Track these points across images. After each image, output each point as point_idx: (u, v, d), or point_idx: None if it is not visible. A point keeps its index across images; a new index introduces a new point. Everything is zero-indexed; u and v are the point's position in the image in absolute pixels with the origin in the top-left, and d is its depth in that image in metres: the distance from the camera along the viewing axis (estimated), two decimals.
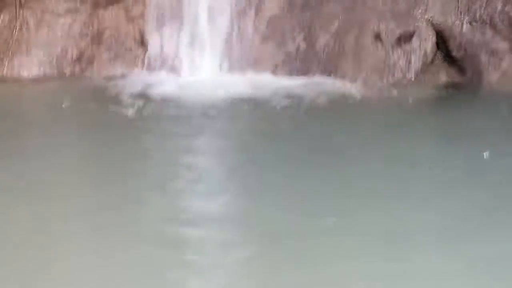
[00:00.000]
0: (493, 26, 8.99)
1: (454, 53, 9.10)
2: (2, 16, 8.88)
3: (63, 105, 7.61)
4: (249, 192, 5.44)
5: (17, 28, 8.88)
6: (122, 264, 4.30)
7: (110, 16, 9.10)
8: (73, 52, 8.88)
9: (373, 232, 4.69)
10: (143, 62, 9.07)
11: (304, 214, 4.96)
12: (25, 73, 8.75)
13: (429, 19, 9.08)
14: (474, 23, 9.03)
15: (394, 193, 5.37)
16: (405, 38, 9.01)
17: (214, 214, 5.10)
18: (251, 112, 7.72)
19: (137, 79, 8.71)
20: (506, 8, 8.96)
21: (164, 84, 8.53)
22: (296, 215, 4.93)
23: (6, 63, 8.78)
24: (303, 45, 9.08)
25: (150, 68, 9.03)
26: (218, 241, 4.62)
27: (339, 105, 8.02)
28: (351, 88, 8.58)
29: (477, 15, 9.03)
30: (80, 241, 4.61)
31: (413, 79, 8.97)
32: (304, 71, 9.01)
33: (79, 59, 8.89)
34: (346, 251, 4.44)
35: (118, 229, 4.72)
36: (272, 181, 5.60)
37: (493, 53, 8.98)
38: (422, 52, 9.03)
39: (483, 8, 9.02)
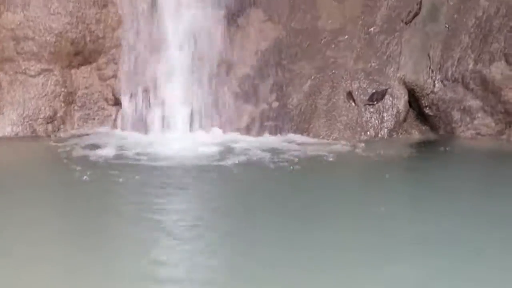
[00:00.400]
0: (465, 84, 9.02)
1: (427, 111, 9.12)
2: None
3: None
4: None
5: None
6: None
7: (82, 75, 9.13)
8: (46, 112, 8.88)
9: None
10: (115, 121, 9.09)
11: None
12: None
13: (401, 78, 9.12)
14: (446, 82, 9.06)
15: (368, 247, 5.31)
16: (377, 97, 9.03)
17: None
18: (222, 170, 7.65)
19: (108, 138, 8.70)
20: (477, 67, 9.00)
21: (136, 142, 8.50)
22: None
23: None
24: (275, 104, 9.09)
25: (122, 126, 9.03)
26: None
27: (312, 162, 7.95)
28: (324, 146, 8.56)
29: (449, 73, 9.06)
30: None
31: (386, 136, 8.96)
32: (277, 130, 9.01)
33: (52, 118, 8.89)
34: None
35: None
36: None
37: (465, 110, 8.99)
38: (395, 110, 9.05)
39: (454, 66, 9.06)
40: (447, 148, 8.76)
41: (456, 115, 9.04)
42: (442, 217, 6.06)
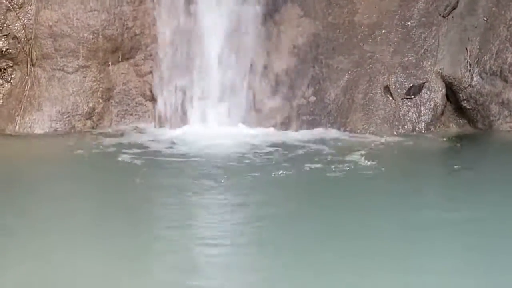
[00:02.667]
0: (503, 77, 8.98)
1: (464, 104, 9.09)
2: (13, 74, 8.97)
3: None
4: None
5: (29, 85, 8.96)
6: None
7: (120, 72, 9.18)
8: (84, 108, 8.93)
9: None
10: (152, 117, 9.13)
11: None
12: (36, 129, 8.80)
13: (439, 71, 9.09)
14: (484, 75, 9.02)
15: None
16: (414, 91, 9.01)
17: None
18: (261, 165, 7.66)
19: (147, 134, 8.77)
20: None
21: (173, 138, 8.57)
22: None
23: (18, 120, 8.84)
24: (312, 99, 9.10)
25: (160, 122, 9.08)
26: None
27: (351, 157, 7.93)
28: (363, 140, 8.58)
29: (487, 66, 9.02)
30: None
31: (423, 130, 8.94)
32: (314, 125, 9.02)
33: (90, 114, 8.94)
34: None
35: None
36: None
37: (503, 103, 8.96)
38: (432, 103, 9.02)
39: (492, 59, 9.02)
40: (486, 142, 8.78)
41: (494, 108, 9.00)
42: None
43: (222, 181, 6.98)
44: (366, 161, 7.62)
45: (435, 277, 4.72)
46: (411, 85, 9.05)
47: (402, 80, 9.09)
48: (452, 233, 5.57)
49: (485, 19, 9.09)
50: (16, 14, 8.86)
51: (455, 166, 7.75)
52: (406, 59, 9.14)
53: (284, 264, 4.97)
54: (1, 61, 8.91)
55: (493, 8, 9.09)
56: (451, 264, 4.97)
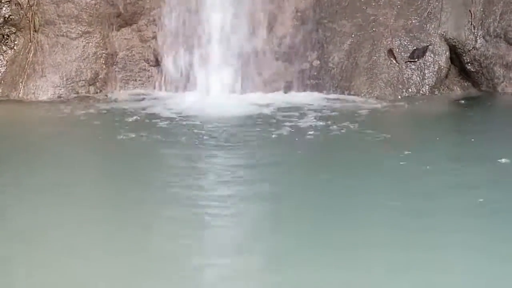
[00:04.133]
0: (507, 39, 8.98)
1: (468, 67, 9.08)
2: (17, 40, 8.95)
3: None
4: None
5: (32, 52, 8.94)
6: None
7: (123, 37, 9.16)
8: (87, 74, 8.92)
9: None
10: (156, 82, 9.12)
11: None
12: (40, 95, 8.80)
13: (443, 34, 9.07)
14: (488, 37, 9.01)
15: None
16: (418, 54, 8.99)
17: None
18: (267, 131, 7.65)
19: (150, 99, 8.77)
20: None
21: (177, 103, 8.56)
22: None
23: (22, 86, 8.83)
24: (316, 63, 9.08)
25: (164, 88, 9.07)
26: None
27: (356, 121, 7.92)
28: (366, 104, 8.58)
29: (491, 29, 9.01)
30: None
31: (427, 93, 8.94)
32: (317, 89, 9.01)
33: (93, 80, 8.94)
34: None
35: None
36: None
37: (507, 66, 8.96)
38: (436, 67, 9.01)
39: (496, 22, 9.01)
40: (490, 104, 8.78)
41: (498, 70, 9.00)
42: None
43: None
44: (367, 125, 7.66)
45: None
46: (415, 48, 9.03)
47: (405, 43, 9.07)
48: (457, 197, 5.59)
49: None
50: None
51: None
52: (410, 22, 9.11)
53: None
54: (4, 27, 8.88)
55: None
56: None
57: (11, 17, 8.86)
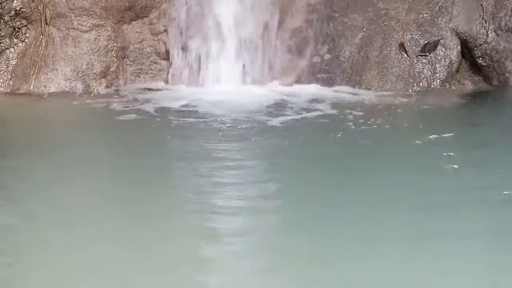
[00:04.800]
0: None
1: (480, 61, 9.07)
2: (28, 33, 8.96)
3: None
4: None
5: (43, 45, 8.95)
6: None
7: (134, 30, 9.16)
8: (98, 67, 8.93)
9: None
10: (167, 76, 9.13)
11: None
12: (51, 88, 8.80)
13: (454, 28, 9.06)
14: (499, 31, 9.00)
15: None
16: (429, 48, 8.98)
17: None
18: (276, 123, 7.67)
19: (162, 92, 8.79)
20: None
21: (189, 96, 8.57)
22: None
23: (33, 79, 8.84)
24: (327, 56, 9.08)
25: (175, 81, 9.08)
26: None
27: (366, 114, 7.92)
28: (376, 97, 8.58)
29: (502, 23, 8.99)
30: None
31: (438, 87, 8.93)
32: (329, 82, 9.01)
33: (104, 73, 8.94)
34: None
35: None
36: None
37: None
38: (447, 61, 9.00)
39: (508, 16, 8.99)
40: (501, 99, 8.78)
41: (510, 65, 8.98)
42: None
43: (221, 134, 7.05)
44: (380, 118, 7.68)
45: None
46: (426, 42, 9.03)
47: (417, 37, 9.06)
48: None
49: None
50: None
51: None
52: (421, 16, 9.10)
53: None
54: (15, 20, 8.89)
55: None
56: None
57: (22, 10, 8.86)
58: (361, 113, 7.83)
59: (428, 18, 9.09)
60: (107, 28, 9.00)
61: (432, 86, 8.94)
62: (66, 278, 4.11)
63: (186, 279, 4.13)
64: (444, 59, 9.01)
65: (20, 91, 8.80)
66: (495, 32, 9.01)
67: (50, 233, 4.69)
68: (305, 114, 7.84)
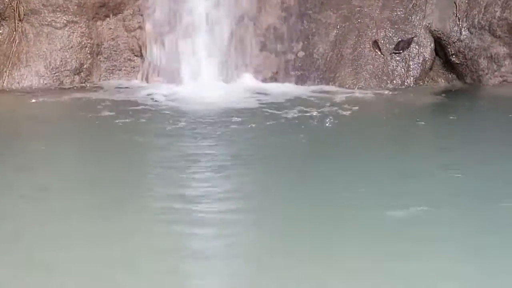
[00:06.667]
0: (492, 31, 8.98)
1: (453, 59, 9.09)
2: (1, 29, 8.92)
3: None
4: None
5: (17, 41, 8.92)
6: None
7: (108, 27, 9.14)
8: (72, 63, 8.90)
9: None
10: (142, 73, 9.10)
11: None
12: (24, 85, 8.77)
13: (427, 26, 9.08)
14: (472, 29, 9.02)
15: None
16: (403, 45, 9.00)
17: None
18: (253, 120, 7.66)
19: (135, 89, 8.76)
20: (505, 14, 8.95)
21: (163, 94, 8.56)
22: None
23: (6, 75, 8.81)
24: (301, 54, 9.09)
25: (149, 78, 9.06)
26: None
27: (341, 112, 7.94)
28: (350, 95, 8.59)
29: (476, 21, 9.02)
30: None
31: (412, 85, 8.96)
32: (303, 79, 9.02)
33: (78, 70, 8.92)
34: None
35: None
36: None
37: (492, 58, 8.97)
38: (421, 58, 9.03)
39: (481, 14, 9.02)
40: (474, 96, 8.81)
41: (483, 62, 9.01)
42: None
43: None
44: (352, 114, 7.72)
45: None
46: (400, 39, 9.05)
47: (390, 34, 9.09)
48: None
49: None
50: None
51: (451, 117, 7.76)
52: (395, 13, 9.12)
53: None
54: None
55: None
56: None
57: None
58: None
59: (402, 15, 9.12)
60: (81, 24, 8.97)
61: (405, 83, 8.97)
62: None
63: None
64: (418, 56, 9.03)
65: None
66: (468, 30, 9.03)
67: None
68: (276, 111, 7.84)
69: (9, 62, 8.84)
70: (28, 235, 4.61)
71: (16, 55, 8.86)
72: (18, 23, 8.91)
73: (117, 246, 4.45)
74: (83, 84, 8.91)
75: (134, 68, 9.16)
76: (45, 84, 8.79)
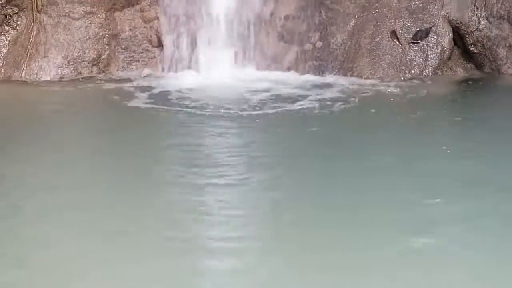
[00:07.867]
0: (510, 21, 8.95)
1: (472, 49, 9.07)
2: (19, 20, 8.94)
3: None
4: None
5: (34, 32, 8.93)
6: None
7: (126, 18, 9.15)
8: (90, 54, 8.91)
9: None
10: (160, 63, 9.11)
11: None
12: (42, 76, 8.79)
13: (446, 15, 9.05)
14: (491, 18, 8.99)
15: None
16: (421, 35, 8.97)
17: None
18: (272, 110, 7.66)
19: (154, 80, 8.77)
20: None
21: (181, 83, 8.57)
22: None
23: (24, 67, 8.82)
24: (319, 44, 9.08)
25: (167, 68, 9.07)
26: None
27: (360, 101, 7.93)
28: (369, 85, 8.57)
29: (494, 10, 8.99)
30: None
31: (430, 75, 8.93)
32: (321, 69, 9.01)
33: (96, 60, 8.93)
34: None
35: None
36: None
37: (510, 47, 8.94)
38: (439, 48, 8.99)
39: (500, 3, 8.99)
40: (492, 86, 8.78)
41: (502, 52, 8.98)
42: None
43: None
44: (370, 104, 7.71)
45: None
46: (418, 29, 9.01)
47: (409, 24, 9.06)
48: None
49: None
50: None
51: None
52: (413, 3, 9.10)
53: None
54: (7, 7, 8.87)
55: None
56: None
57: None
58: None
59: (420, 5, 9.09)
60: (99, 15, 8.98)
61: (424, 73, 8.94)
62: None
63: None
64: (436, 46, 9.00)
65: (12, 79, 8.78)
66: (487, 19, 9.00)
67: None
68: (299, 102, 7.84)
69: (27, 54, 8.85)
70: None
71: (34, 46, 8.88)
72: (36, 14, 8.92)
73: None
74: (101, 75, 8.92)
75: (152, 58, 9.17)
76: (63, 74, 8.80)
